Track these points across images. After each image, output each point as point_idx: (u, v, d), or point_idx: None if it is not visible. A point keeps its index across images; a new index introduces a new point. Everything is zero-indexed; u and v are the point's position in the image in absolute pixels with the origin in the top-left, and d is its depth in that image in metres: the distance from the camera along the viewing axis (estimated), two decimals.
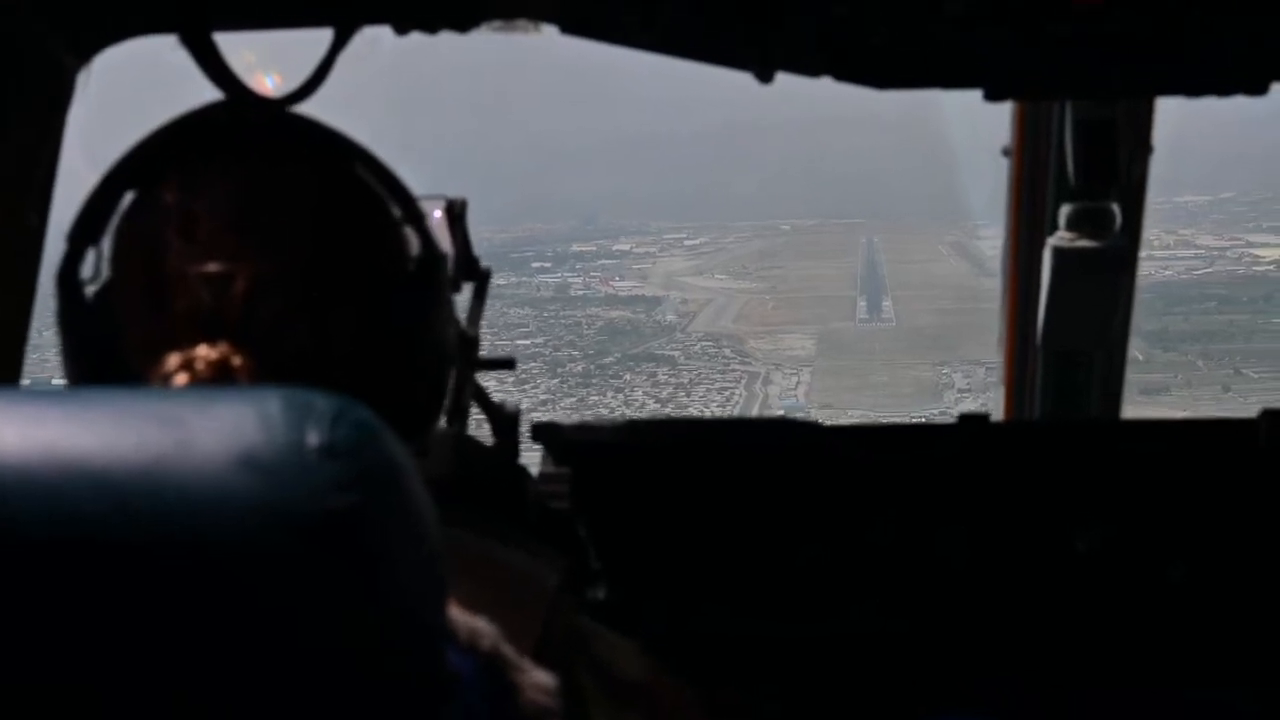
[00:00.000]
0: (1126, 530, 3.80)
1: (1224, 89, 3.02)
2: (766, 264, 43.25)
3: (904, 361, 34.22)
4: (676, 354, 34.41)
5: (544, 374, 28.76)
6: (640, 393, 30.14)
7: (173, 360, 1.80)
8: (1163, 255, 36.46)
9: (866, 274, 41.41)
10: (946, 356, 32.24)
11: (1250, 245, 38.34)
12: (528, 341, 28.32)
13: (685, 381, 31.82)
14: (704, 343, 35.61)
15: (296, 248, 1.95)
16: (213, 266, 1.89)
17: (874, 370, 34.01)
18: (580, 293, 38.06)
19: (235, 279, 1.89)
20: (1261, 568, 3.79)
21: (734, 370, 33.60)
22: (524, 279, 35.93)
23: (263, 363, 1.83)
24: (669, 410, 25.30)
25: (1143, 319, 31.84)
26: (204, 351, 1.81)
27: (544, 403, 23.39)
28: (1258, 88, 3.00)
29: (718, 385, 31.87)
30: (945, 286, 36.98)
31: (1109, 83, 3.17)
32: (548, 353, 30.98)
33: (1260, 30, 2.88)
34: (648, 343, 34.61)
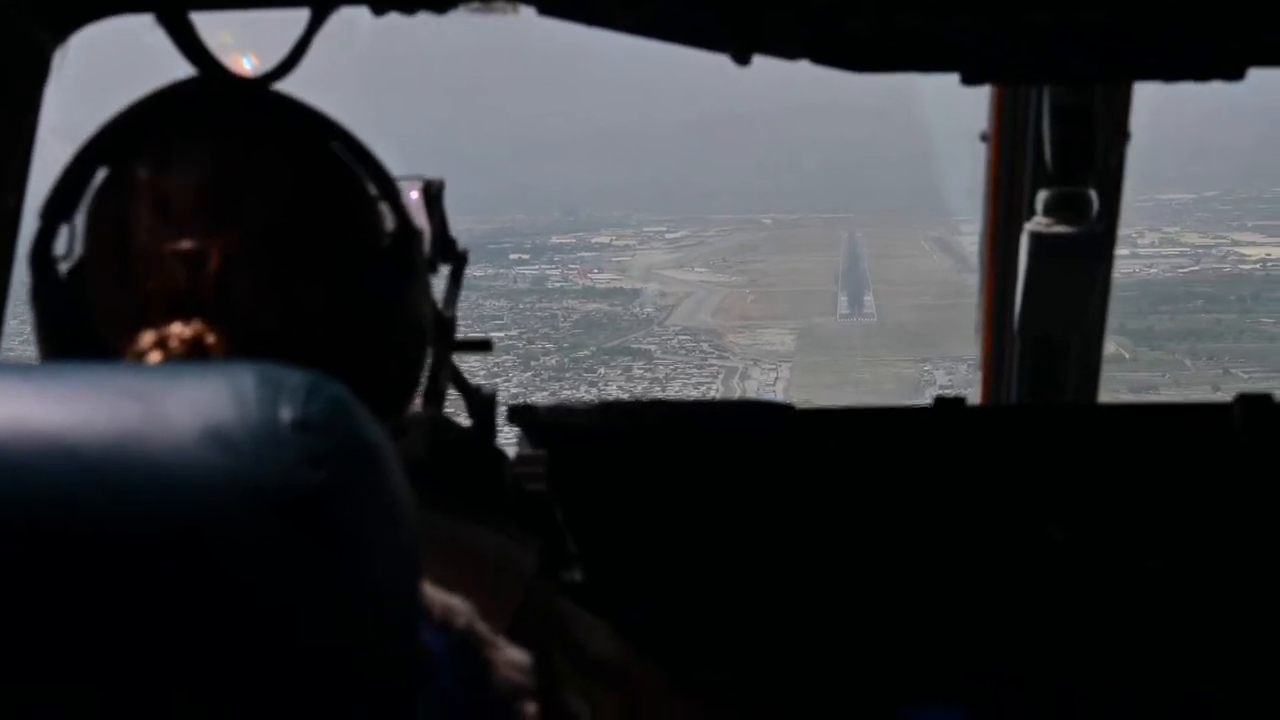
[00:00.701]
0: (1102, 516, 3.80)
1: (1201, 74, 3.03)
2: (747, 257, 43.25)
3: (885, 358, 34.17)
4: (653, 348, 34.29)
5: (517, 367, 28.76)
6: (614, 387, 30.02)
7: (146, 338, 1.80)
8: (1148, 253, 36.56)
9: (848, 269, 41.39)
10: (929, 353, 32.20)
11: (1235, 244, 38.46)
12: (501, 334, 28.28)
13: (661, 376, 31.70)
14: (681, 336, 35.51)
15: (271, 224, 1.95)
16: (186, 244, 1.89)
17: (854, 366, 33.94)
18: (557, 285, 37.96)
19: (209, 256, 1.89)
20: (1238, 553, 3.80)
21: (711, 365, 33.49)
22: (501, 270, 35.79)
23: (236, 340, 1.83)
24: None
25: (1128, 317, 31.97)
26: (178, 329, 1.81)
27: (515, 396, 23.50)
28: (1234, 73, 3.01)
29: (694, 380, 31.77)
30: (928, 282, 37.03)
31: (1086, 68, 3.17)
32: (521, 345, 30.80)
33: (1237, 15, 2.89)
34: (624, 336, 34.50)
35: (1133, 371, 30.13)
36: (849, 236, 43.39)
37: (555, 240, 41.33)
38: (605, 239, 42.22)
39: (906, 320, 35.93)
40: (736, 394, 30.03)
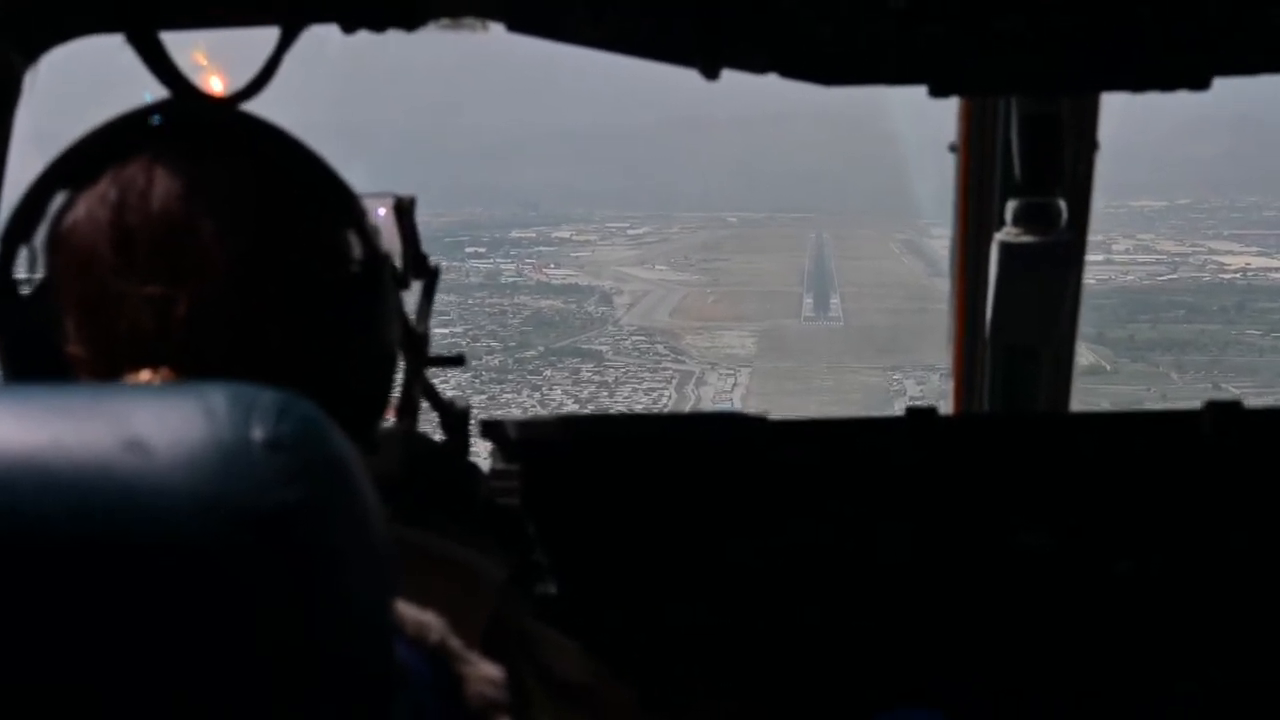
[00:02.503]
0: (1073, 522, 3.82)
1: (1167, 84, 3.05)
2: (710, 256, 43.02)
3: (852, 365, 33.77)
4: (604, 349, 33.65)
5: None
6: (559, 391, 29.27)
7: None
8: (1124, 260, 36.56)
9: (814, 270, 41.14)
10: (898, 360, 31.78)
11: (1213, 252, 38.53)
12: (445, 330, 27.74)
13: (610, 380, 30.94)
14: (636, 337, 34.89)
15: (238, 264, 1.92)
16: (151, 289, 1.87)
17: (819, 374, 33.47)
18: (511, 280, 37.37)
19: (175, 302, 1.87)
20: (1207, 558, 3.82)
21: (665, 369, 32.83)
22: (454, 263, 35.09)
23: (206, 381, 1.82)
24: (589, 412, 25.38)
25: (1108, 325, 31.85)
26: (147, 377, 1.81)
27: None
28: (1200, 82, 3.03)
29: (645, 385, 30.97)
30: (897, 285, 36.75)
31: (1053, 78, 3.19)
32: (465, 343, 29.91)
33: (1202, 26, 2.91)
34: (575, 335, 33.91)
35: (1116, 384, 29.82)
36: (816, 237, 43.20)
37: (515, 234, 40.88)
38: (566, 234, 41.81)
39: (875, 324, 35.57)
40: (691, 401, 29.53)
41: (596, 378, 30.96)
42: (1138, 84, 3.11)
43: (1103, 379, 30.11)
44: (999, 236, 4.31)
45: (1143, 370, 31.47)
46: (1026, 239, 4.24)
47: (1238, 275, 37.36)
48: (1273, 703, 3.82)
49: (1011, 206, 4.27)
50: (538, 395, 28.73)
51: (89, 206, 1.95)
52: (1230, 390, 28.01)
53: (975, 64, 3.03)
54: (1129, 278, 35.86)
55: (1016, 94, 3.94)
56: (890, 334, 34.09)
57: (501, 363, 30.59)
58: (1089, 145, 4.39)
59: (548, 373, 30.92)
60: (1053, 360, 4.85)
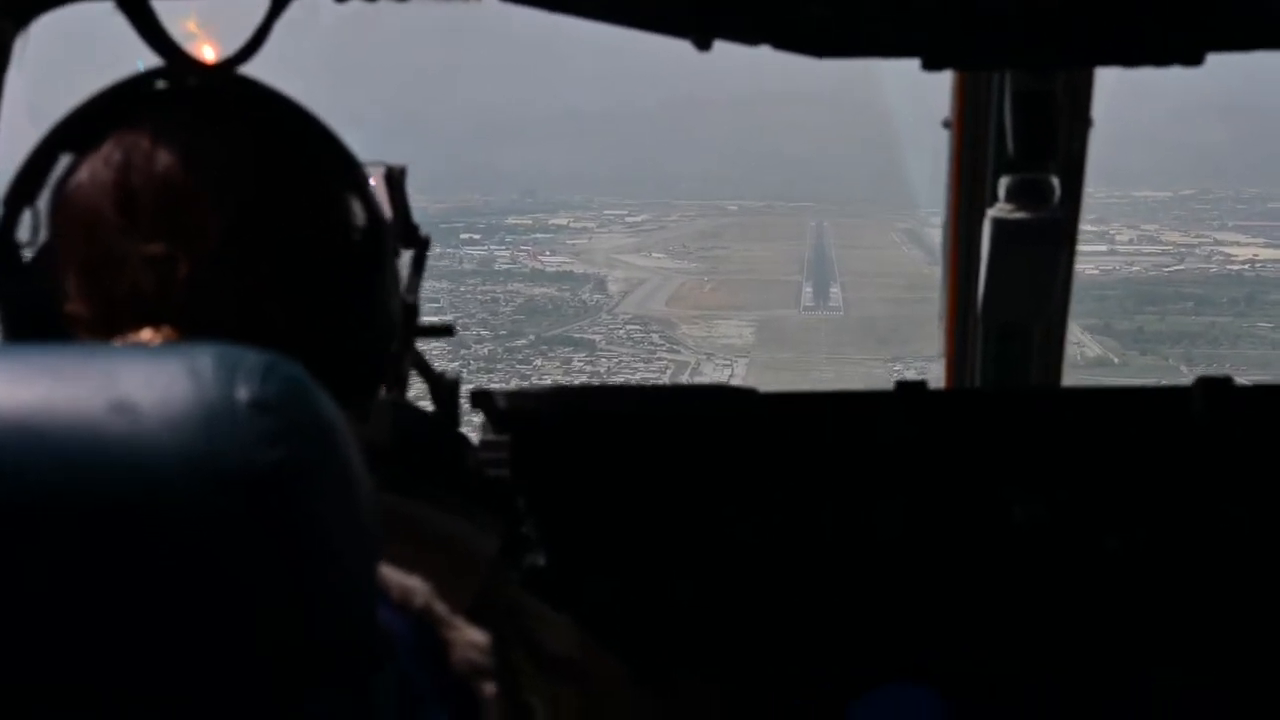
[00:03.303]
0: (1063, 498, 3.83)
1: (1160, 59, 3.04)
2: (709, 244, 42.82)
3: (852, 356, 33.37)
4: (598, 338, 33.16)
5: (445, 355, 28.23)
6: (549, 381, 29.06)
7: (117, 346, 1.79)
8: (1128, 250, 36.26)
9: (814, 259, 40.88)
10: (899, 351, 31.35)
11: (1219, 243, 38.27)
12: (435, 318, 27.22)
13: (602, 370, 30.47)
14: (630, 326, 34.43)
15: (240, 225, 1.92)
16: (154, 248, 1.87)
17: (818, 364, 33.07)
18: (505, 267, 36.97)
19: (178, 262, 1.87)
20: (1196, 534, 3.83)
21: (660, 359, 32.38)
22: (448, 250, 34.67)
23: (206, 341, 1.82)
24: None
25: (1115, 317, 31.53)
26: (148, 335, 1.80)
27: None
28: (1193, 58, 3.02)
29: (639, 375, 30.43)
30: (898, 275, 36.38)
31: (1046, 53, 3.18)
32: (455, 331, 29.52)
33: (1196, 1, 2.91)
34: (569, 324, 33.46)
35: (1125, 378, 29.38)
36: (816, 225, 42.99)
37: (511, 221, 40.54)
38: (563, 221, 41.48)
39: (875, 314, 35.23)
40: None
41: (588, 368, 30.56)
42: (1131, 59, 3.11)
43: (1110, 371, 29.79)
44: (991, 213, 4.31)
45: (1152, 363, 31.12)
46: (1019, 215, 4.24)
47: (1245, 266, 37.10)
48: (1263, 680, 3.83)
49: (1004, 182, 4.26)
50: (526, 385, 28.47)
51: (93, 168, 1.95)
52: (1244, 385, 27.55)
53: (969, 38, 3.02)
54: (1134, 268, 35.54)
55: (1010, 68, 3.94)
56: (891, 324, 33.73)
57: (490, 351, 30.19)
58: (1083, 122, 4.39)
59: (538, 362, 30.58)
60: (1044, 337, 4.85)
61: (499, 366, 29.32)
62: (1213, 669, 3.83)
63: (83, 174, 1.97)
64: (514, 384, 27.88)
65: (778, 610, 3.85)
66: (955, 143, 4.65)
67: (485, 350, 30.00)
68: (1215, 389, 3.83)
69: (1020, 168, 4.22)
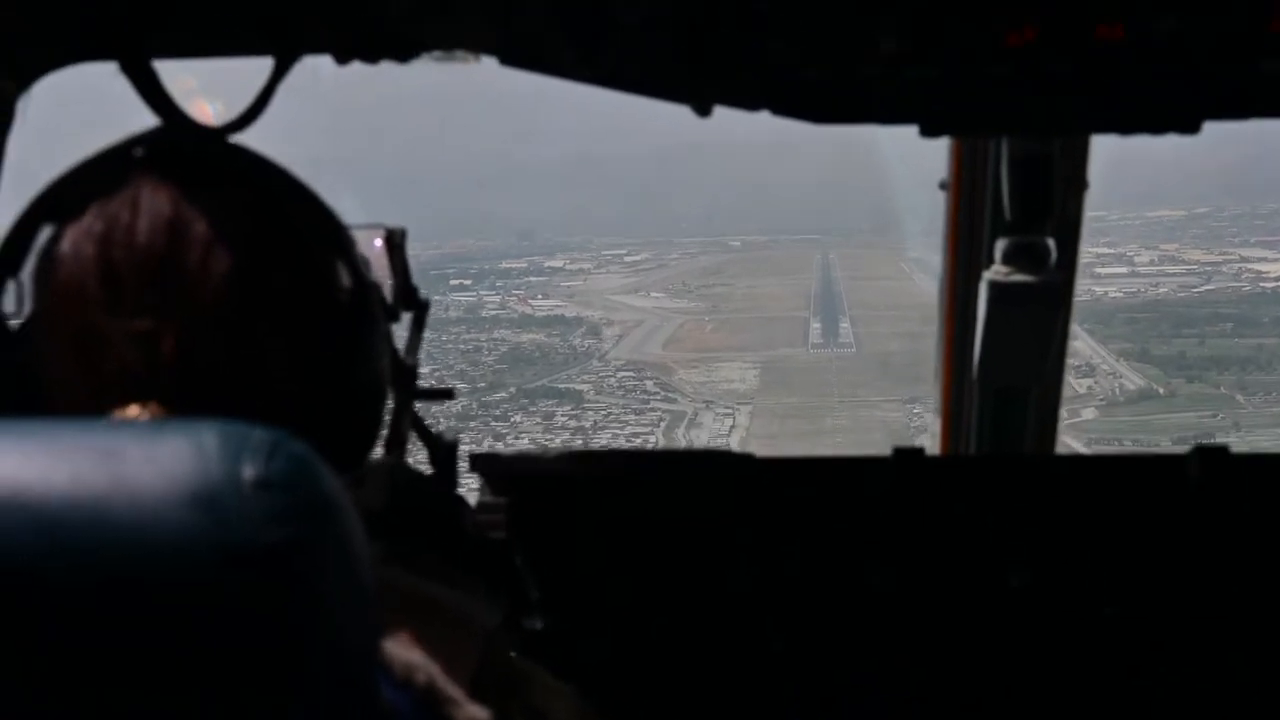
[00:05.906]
0: (1059, 564, 3.83)
1: (1157, 127, 3.05)
2: (710, 281, 42.06)
3: (867, 398, 32.23)
4: (585, 388, 31.69)
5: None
6: (527, 440, 27.37)
7: None
8: (1150, 271, 35.52)
9: (821, 292, 40.09)
10: (915, 391, 30.00)
11: (1245, 260, 37.61)
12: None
13: (588, 425, 29.06)
14: (623, 373, 32.93)
15: (225, 297, 1.90)
16: (138, 324, 1.86)
17: (830, 409, 31.88)
18: (493, 313, 35.81)
19: (162, 337, 1.85)
20: (1193, 602, 3.83)
21: (654, 409, 30.66)
22: (434, 297, 33.51)
23: (195, 415, 1.81)
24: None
25: (1151, 342, 30.53)
26: (135, 413, 1.79)
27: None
28: (1190, 126, 3.04)
29: (629, 429, 29.04)
30: (910, 307, 35.07)
31: (1042, 120, 3.19)
32: (430, 384, 27.68)
33: (1192, 70, 2.92)
34: (555, 373, 32.16)
35: (1174, 412, 27.80)
36: (822, 258, 42.27)
37: (504, 265, 39.67)
38: (559, 263, 40.64)
39: (889, 349, 34.03)
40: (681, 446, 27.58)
41: (573, 423, 29.04)
42: (1127, 127, 3.12)
43: (1158, 406, 28.11)
44: (988, 275, 4.31)
45: (1201, 391, 29.88)
46: (1016, 278, 4.24)
47: (1278, 283, 36.37)
48: None
49: (1001, 245, 4.27)
50: (500, 446, 26.65)
51: (75, 241, 1.93)
52: None
53: (966, 106, 3.03)
54: (1162, 290, 34.68)
55: (1006, 135, 3.96)
56: (906, 359, 32.37)
57: (463, 408, 28.57)
58: (1078, 185, 4.40)
59: (516, 418, 29.21)
60: (1040, 401, 4.85)
61: (472, 424, 27.89)
62: None
63: (65, 246, 1.95)
64: (487, 444, 26.52)
65: (775, 673, 3.86)
66: (952, 205, 4.66)
67: (458, 407, 28.04)
68: (1211, 457, 3.85)
69: (1017, 230, 4.23)
